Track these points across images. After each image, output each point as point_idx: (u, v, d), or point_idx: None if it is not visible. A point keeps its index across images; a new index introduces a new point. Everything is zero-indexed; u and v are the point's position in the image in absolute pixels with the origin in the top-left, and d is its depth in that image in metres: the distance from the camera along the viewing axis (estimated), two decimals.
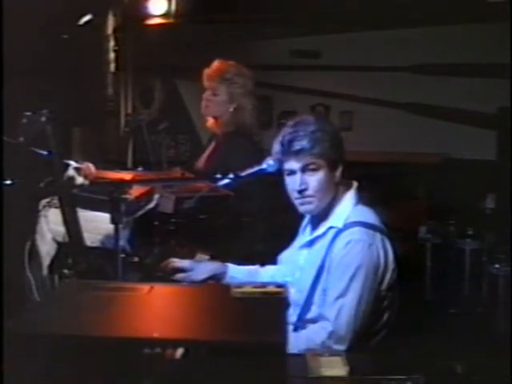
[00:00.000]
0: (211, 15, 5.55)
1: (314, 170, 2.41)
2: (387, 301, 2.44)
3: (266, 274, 2.75)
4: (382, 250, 2.38)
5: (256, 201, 3.31)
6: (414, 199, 5.71)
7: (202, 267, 2.70)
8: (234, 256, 2.82)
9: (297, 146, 2.39)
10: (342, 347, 2.28)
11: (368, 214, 2.45)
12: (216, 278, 2.69)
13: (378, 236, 2.39)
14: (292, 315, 2.43)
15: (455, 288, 4.66)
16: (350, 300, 2.31)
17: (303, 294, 2.43)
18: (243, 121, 3.56)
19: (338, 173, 2.46)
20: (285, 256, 2.71)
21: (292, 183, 2.45)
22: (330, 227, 2.44)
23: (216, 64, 3.59)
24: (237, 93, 3.55)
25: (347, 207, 2.45)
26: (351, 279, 2.31)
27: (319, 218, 2.50)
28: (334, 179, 2.45)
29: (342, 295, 2.31)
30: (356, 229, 2.37)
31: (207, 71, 3.59)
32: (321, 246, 2.45)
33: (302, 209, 2.48)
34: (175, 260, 2.72)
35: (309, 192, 2.42)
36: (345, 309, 2.30)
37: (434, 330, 3.67)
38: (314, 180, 2.41)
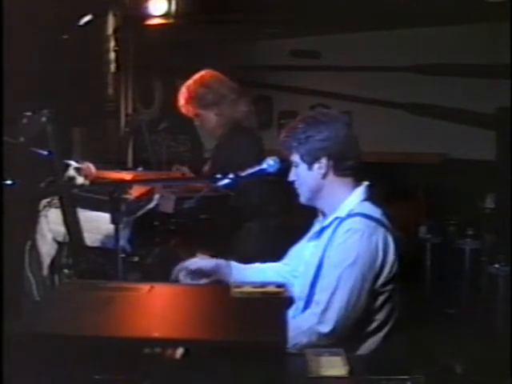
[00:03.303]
0: (211, 15, 5.55)
1: (295, 165, 2.55)
2: (383, 297, 2.44)
3: (271, 271, 2.76)
4: (382, 242, 2.40)
5: (256, 201, 3.31)
6: (413, 199, 5.71)
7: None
8: (234, 256, 2.83)
9: (281, 140, 2.57)
10: (327, 328, 2.30)
11: (373, 210, 2.49)
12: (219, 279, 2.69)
13: (380, 230, 2.42)
14: (297, 309, 2.44)
15: (454, 288, 4.66)
16: (344, 285, 2.33)
17: (306, 287, 2.45)
18: (232, 116, 3.58)
19: (321, 170, 2.50)
20: (293, 251, 2.75)
21: None
22: (335, 218, 2.49)
23: (181, 92, 3.61)
24: (210, 100, 3.56)
25: (353, 201, 2.50)
26: (347, 266, 2.34)
27: (327, 211, 2.55)
28: (316, 175, 2.51)
29: (337, 280, 2.34)
30: (357, 218, 2.42)
31: (179, 104, 3.62)
32: (325, 237, 2.49)
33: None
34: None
35: (296, 184, 2.58)
36: (338, 293, 2.33)
37: (434, 329, 3.67)
38: (296, 174, 2.56)
